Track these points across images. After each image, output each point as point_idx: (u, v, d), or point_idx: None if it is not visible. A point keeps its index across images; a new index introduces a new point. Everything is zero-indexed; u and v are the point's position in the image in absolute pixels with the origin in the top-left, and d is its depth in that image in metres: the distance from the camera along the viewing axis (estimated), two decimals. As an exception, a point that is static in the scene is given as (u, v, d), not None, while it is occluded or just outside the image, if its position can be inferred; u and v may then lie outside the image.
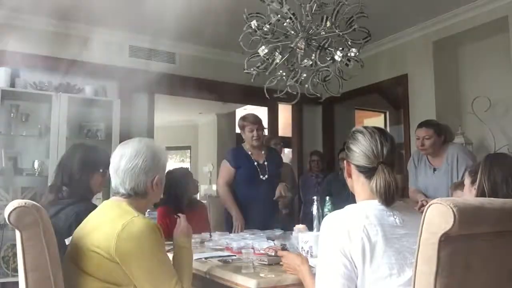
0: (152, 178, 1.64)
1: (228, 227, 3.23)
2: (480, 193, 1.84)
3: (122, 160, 1.63)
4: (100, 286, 1.49)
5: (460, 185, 2.45)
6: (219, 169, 3.45)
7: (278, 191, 3.23)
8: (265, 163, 3.30)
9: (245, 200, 3.23)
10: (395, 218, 1.35)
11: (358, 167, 1.44)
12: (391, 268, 1.28)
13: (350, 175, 1.49)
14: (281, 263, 1.77)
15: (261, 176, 3.25)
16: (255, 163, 3.28)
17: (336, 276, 1.29)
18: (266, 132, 4.19)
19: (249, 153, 3.31)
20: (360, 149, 1.43)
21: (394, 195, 1.36)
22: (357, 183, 1.46)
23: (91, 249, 1.50)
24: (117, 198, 1.65)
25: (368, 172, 1.41)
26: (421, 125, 3.33)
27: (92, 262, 1.50)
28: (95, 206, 1.98)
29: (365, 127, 1.48)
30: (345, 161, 1.52)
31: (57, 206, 1.93)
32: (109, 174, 1.70)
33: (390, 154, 1.42)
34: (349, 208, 1.40)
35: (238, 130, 3.49)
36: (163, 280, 1.53)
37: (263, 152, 3.35)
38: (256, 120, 3.32)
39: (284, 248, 1.96)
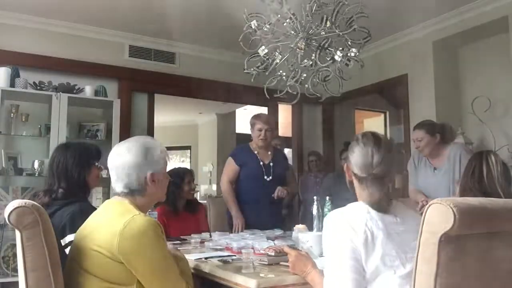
0: (144, 174, 1.63)
1: (230, 226, 3.22)
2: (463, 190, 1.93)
3: (116, 159, 1.64)
4: (103, 285, 1.49)
5: None
6: (224, 166, 3.41)
7: (276, 192, 3.21)
8: (271, 164, 3.28)
9: (247, 199, 3.22)
10: (396, 217, 1.44)
11: (354, 174, 1.53)
12: (392, 261, 1.35)
13: (350, 177, 1.57)
14: (285, 263, 1.77)
15: (265, 177, 3.23)
16: (261, 163, 3.26)
17: (346, 270, 1.34)
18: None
19: (256, 152, 3.29)
20: (354, 159, 1.51)
21: (387, 204, 1.44)
22: (356, 186, 1.55)
23: (93, 249, 1.50)
24: (119, 197, 1.66)
25: (361, 180, 1.50)
26: (414, 127, 3.40)
27: (94, 261, 1.50)
28: (90, 206, 1.98)
29: (364, 135, 1.54)
30: (346, 164, 1.59)
31: (52, 207, 1.91)
32: (103, 168, 1.69)
33: (382, 164, 1.47)
34: (350, 205, 1.49)
35: (238, 130, 3.49)
36: (169, 275, 1.53)
37: (269, 153, 3.32)
38: (268, 121, 3.30)
39: (294, 247, 1.94)
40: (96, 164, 2.12)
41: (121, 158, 1.63)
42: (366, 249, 1.34)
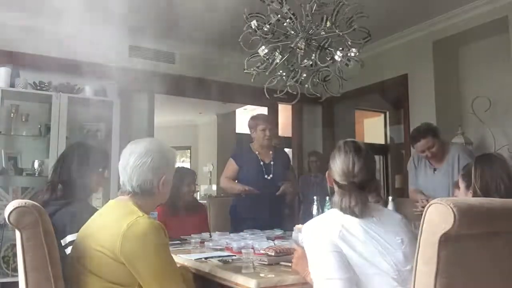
0: (160, 178, 1.65)
1: (232, 226, 3.21)
2: (474, 195, 1.90)
3: (131, 157, 1.64)
4: (104, 285, 1.49)
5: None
6: (225, 166, 3.45)
7: (282, 188, 3.26)
8: (271, 163, 3.32)
9: (248, 199, 3.22)
10: (373, 217, 1.50)
11: (335, 181, 1.59)
12: (373, 258, 1.41)
13: (332, 184, 1.63)
14: (285, 263, 1.77)
15: (265, 176, 3.26)
16: (261, 163, 3.30)
17: (329, 257, 1.41)
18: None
19: (257, 153, 3.33)
20: (336, 167, 1.57)
21: (363, 210, 1.48)
22: (336, 192, 1.59)
23: (96, 249, 1.50)
24: (123, 197, 1.66)
25: (341, 187, 1.55)
26: (417, 138, 3.15)
27: (96, 261, 1.50)
28: (91, 207, 1.98)
29: (345, 143, 1.60)
30: (327, 171, 1.64)
31: (53, 207, 1.90)
32: (108, 174, 1.69)
33: (362, 172, 1.53)
34: (326, 212, 1.62)
35: (238, 130, 3.51)
36: (170, 279, 1.53)
37: (270, 152, 3.38)
38: (268, 119, 3.42)
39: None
40: (100, 170, 2.11)
41: (138, 159, 1.62)
42: (344, 244, 1.41)
